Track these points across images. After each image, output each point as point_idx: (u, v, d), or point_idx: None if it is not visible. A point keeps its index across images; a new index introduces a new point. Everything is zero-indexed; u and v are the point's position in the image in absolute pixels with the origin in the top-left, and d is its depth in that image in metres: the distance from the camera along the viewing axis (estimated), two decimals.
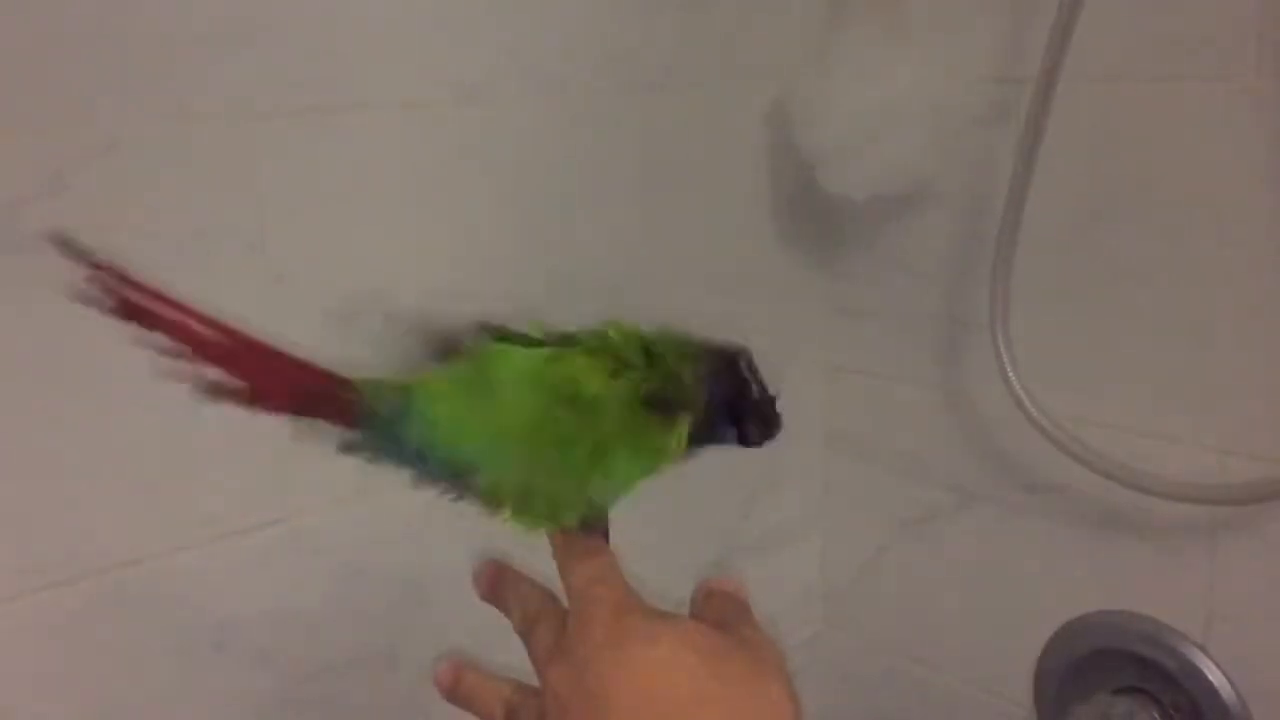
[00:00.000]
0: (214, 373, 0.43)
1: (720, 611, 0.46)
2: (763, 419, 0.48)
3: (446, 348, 0.48)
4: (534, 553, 0.48)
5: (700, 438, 0.47)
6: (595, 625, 0.43)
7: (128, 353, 0.68)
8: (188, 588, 0.72)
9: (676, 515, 1.01)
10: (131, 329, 0.41)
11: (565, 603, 0.46)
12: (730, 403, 0.47)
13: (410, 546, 0.80)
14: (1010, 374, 0.89)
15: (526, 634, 0.47)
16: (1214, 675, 0.89)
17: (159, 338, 0.42)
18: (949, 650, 1.08)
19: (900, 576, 1.11)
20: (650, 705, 0.41)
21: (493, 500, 0.45)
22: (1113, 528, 0.93)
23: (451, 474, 0.45)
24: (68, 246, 0.41)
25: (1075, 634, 0.97)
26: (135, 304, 0.42)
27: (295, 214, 0.74)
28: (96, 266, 0.41)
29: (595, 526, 0.47)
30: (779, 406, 0.49)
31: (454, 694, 0.49)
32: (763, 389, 0.48)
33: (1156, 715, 0.91)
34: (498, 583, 0.49)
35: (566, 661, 0.43)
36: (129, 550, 0.70)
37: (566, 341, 0.47)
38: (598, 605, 0.44)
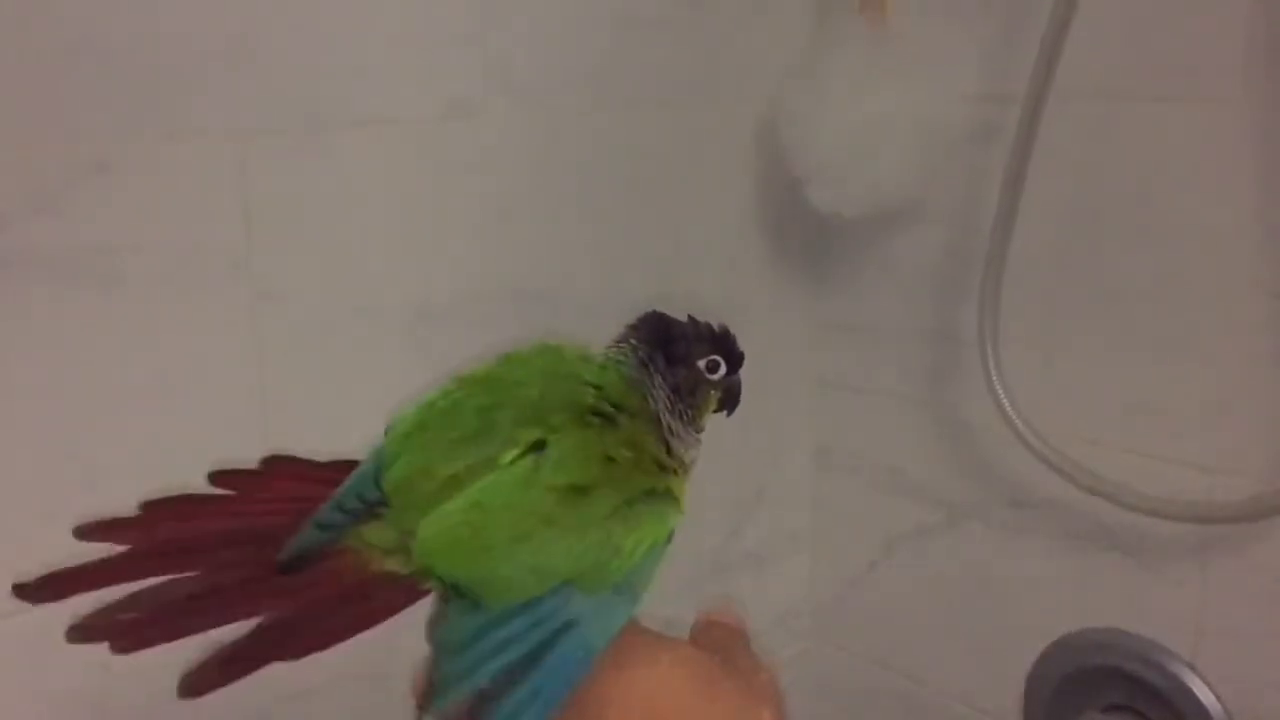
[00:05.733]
0: None
1: (719, 640, 0.46)
2: (700, 351, 0.50)
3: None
4: None
5: (667, 415, 0.47)
6: None
7: (115, 368, 0.68)
8: None
9: None
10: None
11: None
12: (674, 366, 0.49)
13: None
14: (999, 390, 0.89)
15: None
16: (1203, 693, 0.88)
17: None
18: (938, 667, 1.08)
19: (889, 592, 1.11)
20: None
21: None
22: (1102, 545, 0.93)
23: None
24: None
25: (1064, 651, 0.97)
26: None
27: (281, 231, 0.73)
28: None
29: None
30: (713, 330, 0.51)
31: None
32: (673, 336, 0.50)
33: None
34: None
35: None
36: None
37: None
38: None
